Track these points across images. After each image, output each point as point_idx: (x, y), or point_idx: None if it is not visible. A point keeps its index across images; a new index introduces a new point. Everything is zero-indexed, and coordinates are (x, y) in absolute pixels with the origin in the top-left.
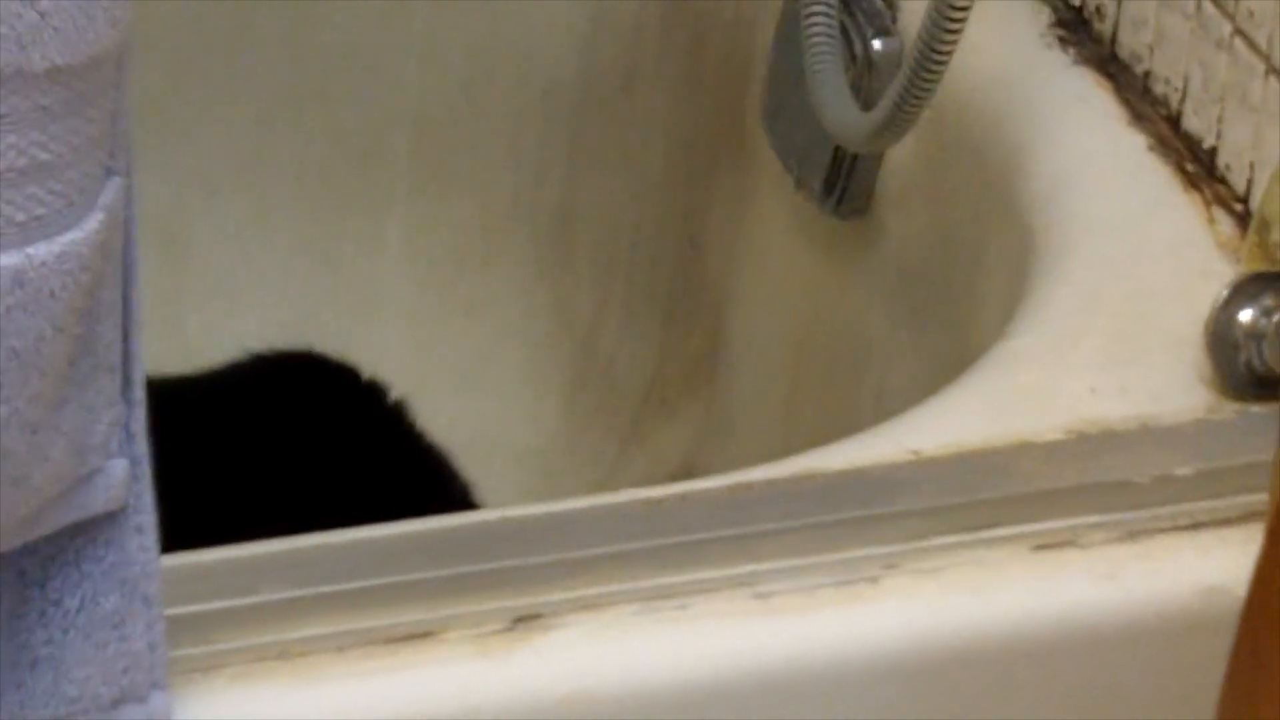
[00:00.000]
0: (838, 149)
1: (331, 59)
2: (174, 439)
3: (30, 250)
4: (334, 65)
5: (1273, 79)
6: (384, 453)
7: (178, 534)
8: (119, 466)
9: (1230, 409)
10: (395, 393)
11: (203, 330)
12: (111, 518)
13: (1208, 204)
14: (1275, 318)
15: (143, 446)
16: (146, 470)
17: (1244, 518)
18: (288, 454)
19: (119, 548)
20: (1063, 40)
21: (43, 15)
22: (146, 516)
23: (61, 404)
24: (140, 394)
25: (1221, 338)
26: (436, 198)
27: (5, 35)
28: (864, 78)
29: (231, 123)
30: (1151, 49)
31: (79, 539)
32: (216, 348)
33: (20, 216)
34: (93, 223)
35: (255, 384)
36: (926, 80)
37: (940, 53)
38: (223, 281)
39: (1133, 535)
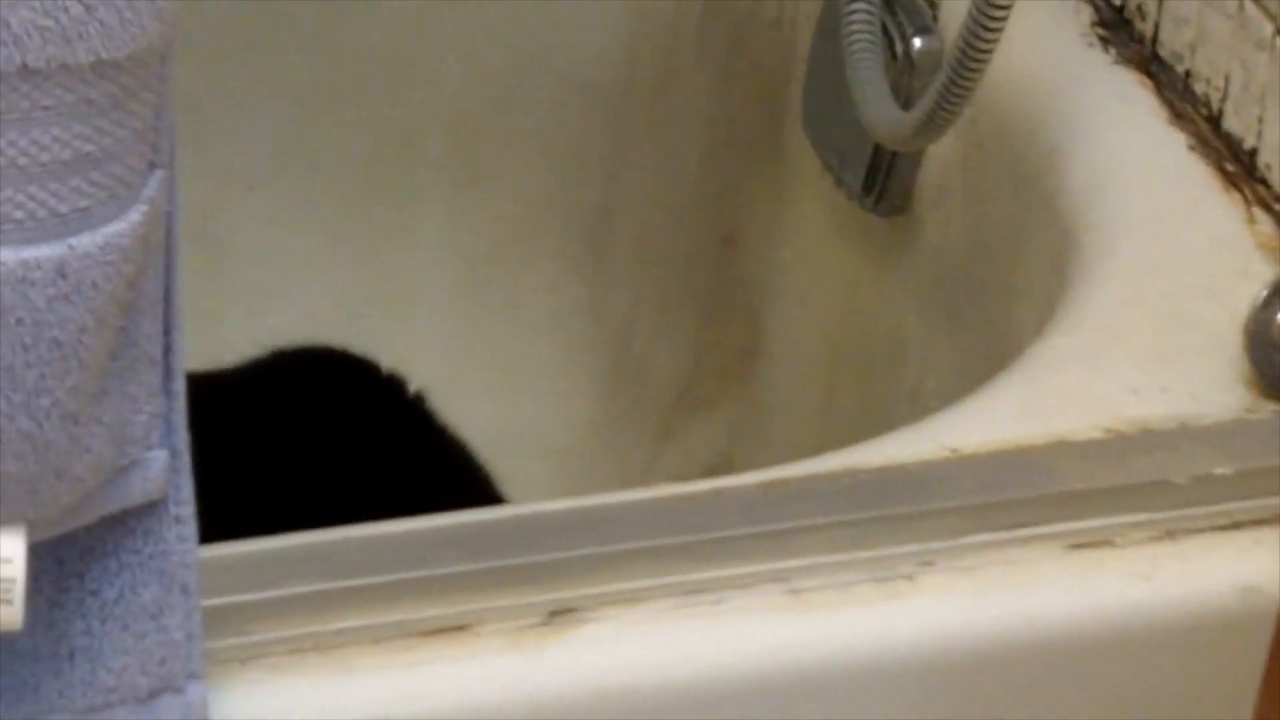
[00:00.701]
0: (877, 147)
1: (370, 55)
2: (197, 435)
3: (73, 241)
4: (372, 61)
5: None
6: (404, 445)
7: (205, 529)
8: (159, 458)
9: (1269, 409)
10: (418, 386)
11: (240, 326)
12: (151, 508)
13: (1248, 204)
14: None
15: (183, 438)
16: (186, 462)
17: None
18: (309, 448)
19: (158, 538)
20: (1104, 39)
21: (88, 8)
22: (186, 508)
23: (102, 395)
24: (181, 386)
25: (1260, 338)
26: (474, 194)
27: (51, 28)
28: (904, 76)
29: (269, 118)
30: (1193, 48)
31: (118, 529)
32: (253, 343)
33: (63, 208)
34: (136, 215)
35: (276, 380)
36: (967, 79)
37: (981, 51)
38: (259, 277)
39: (1170, 535)
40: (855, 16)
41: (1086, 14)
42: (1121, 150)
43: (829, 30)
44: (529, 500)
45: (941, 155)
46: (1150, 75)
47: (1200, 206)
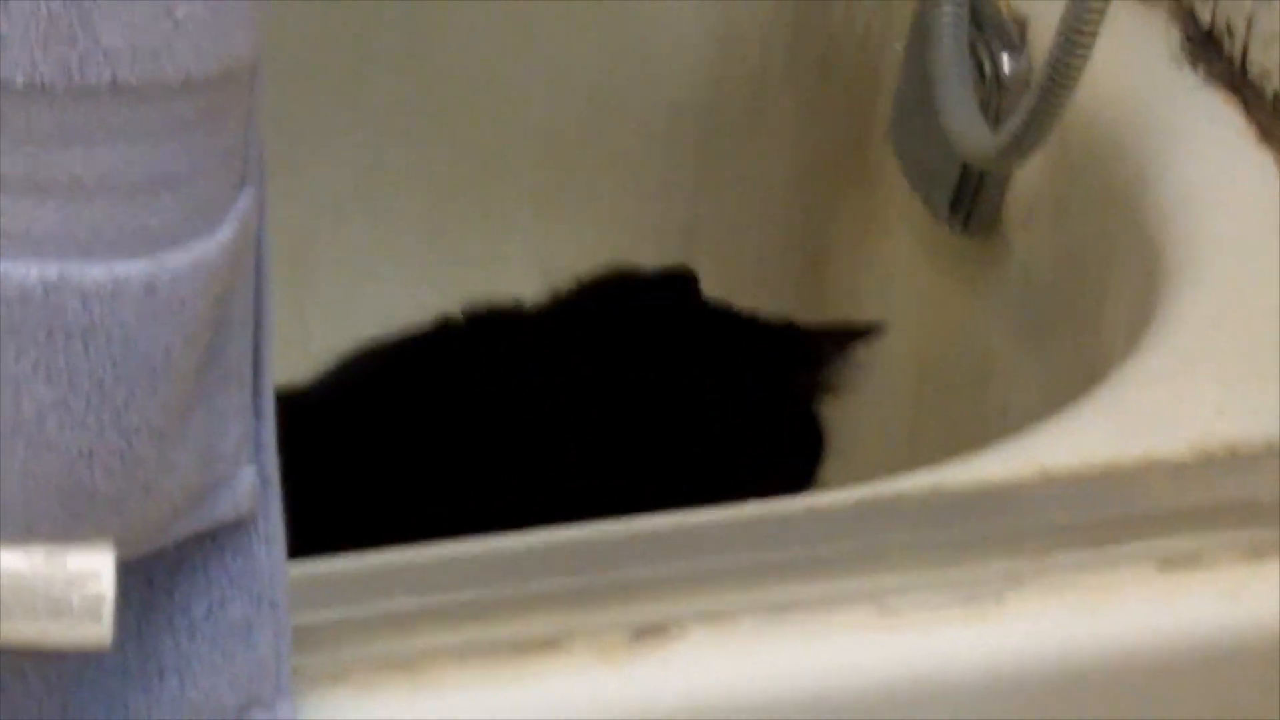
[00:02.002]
0: (965, 167)
1: (457, 77)
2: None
3: (163, 258)
4: (459, 84)
5: None
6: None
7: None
8: (248, 475)
9: None
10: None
11: (326, 349)
12: (240, 526)
13: None
14: None
15: (272, 456)
16: (275, 479)
17: None
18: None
19: (247, 556)
20: (1192, 58)
21: (178, 26)
22: (274, 525)
23: (190, 413)
24: (269, 404)
25: None
26: (561, 217)
27: (140, 46)
28: (993, 96)
29: (356, 141)
30: None
31: (207, 546)
32: None
33: (153, 224)
34: (225, 233)
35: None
36: (1056, 99)
37: (1070, 71)
38: (346, 300)
39: (1259, 554)
40: (943, 36)
41: (1175, 33)
42: (1210, 169)
43: (917, 50)
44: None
45: (1029, 175)
46: (1239, 94)
47: None
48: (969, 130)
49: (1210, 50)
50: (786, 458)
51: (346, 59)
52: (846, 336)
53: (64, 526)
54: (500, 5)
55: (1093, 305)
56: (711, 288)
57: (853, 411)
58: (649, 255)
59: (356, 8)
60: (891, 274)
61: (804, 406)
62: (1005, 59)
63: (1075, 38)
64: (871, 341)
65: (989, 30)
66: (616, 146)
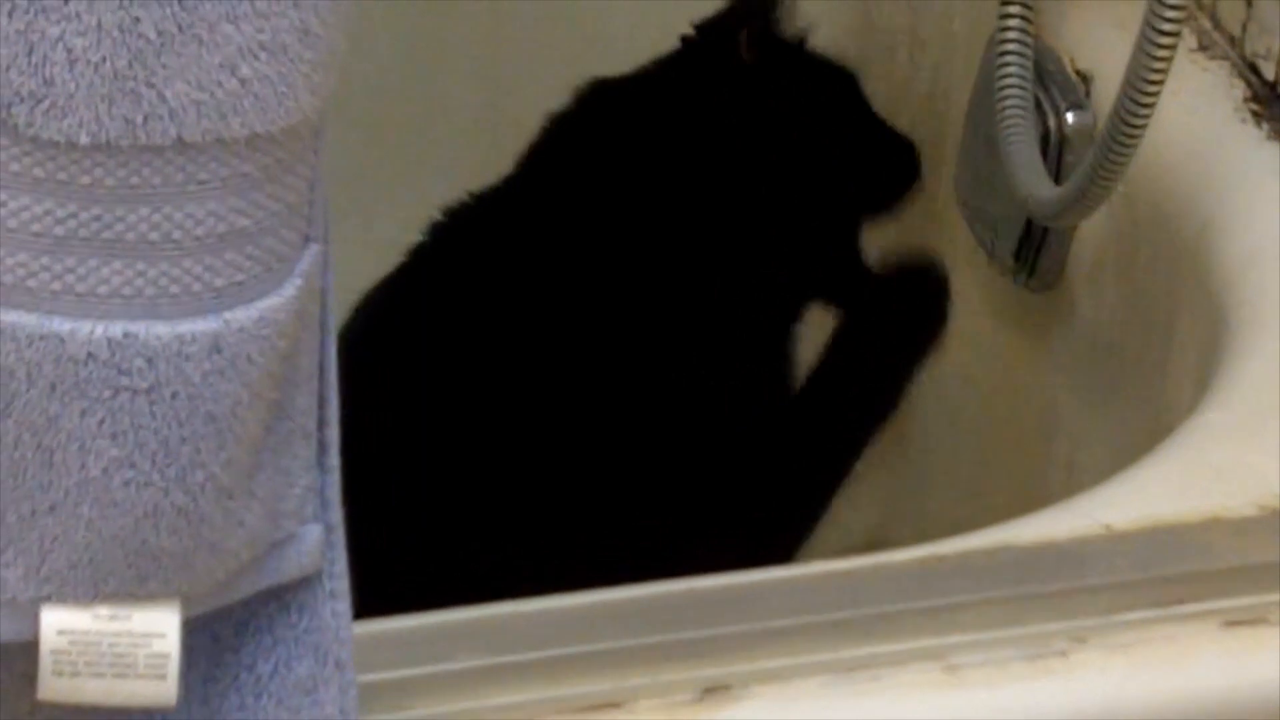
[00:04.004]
0: (1030, 221)
1: (525, 129)
2: None
3: (228, 315)
4: (527, 135)
5: None
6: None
7: None
8: (313, 532)
9: None
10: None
11: None
12: (306, 583)
13: None
14: None
15: (337, 512)
16: (341, 536)
17: None
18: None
19: (313, 613)
20: (1256, 115)
21: (243, 83)
22: (340, 582)
23: (257, 469)
24: (335, 460)
25: None
26: None
27: (206, 102)
28: (1057, 151)
29: (424, 194)
30: None
31: (273, 604)
32: None
33: (219, 282)
34: (290, 289)
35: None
36: (1120, 154)
37: (1134, 127)
38: None
39: None
40: (1009, 92)
41: (1239, 90)
42: (1275, 226)
43: (982, 105)
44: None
45: (1094, 230)
46: None
47: None
48: (1033, 185)
49: (1275, 106)
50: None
51: (415, 112)
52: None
53: (130, 585)
54: (573, 70)
55: (1158, 361)
56: None
57: (918, 467)
58: None
59: (425, 61)
60: (957, 327)
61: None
62: (1069, 114)
63: (1139, 94)
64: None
65: (1053, 86)
66: None
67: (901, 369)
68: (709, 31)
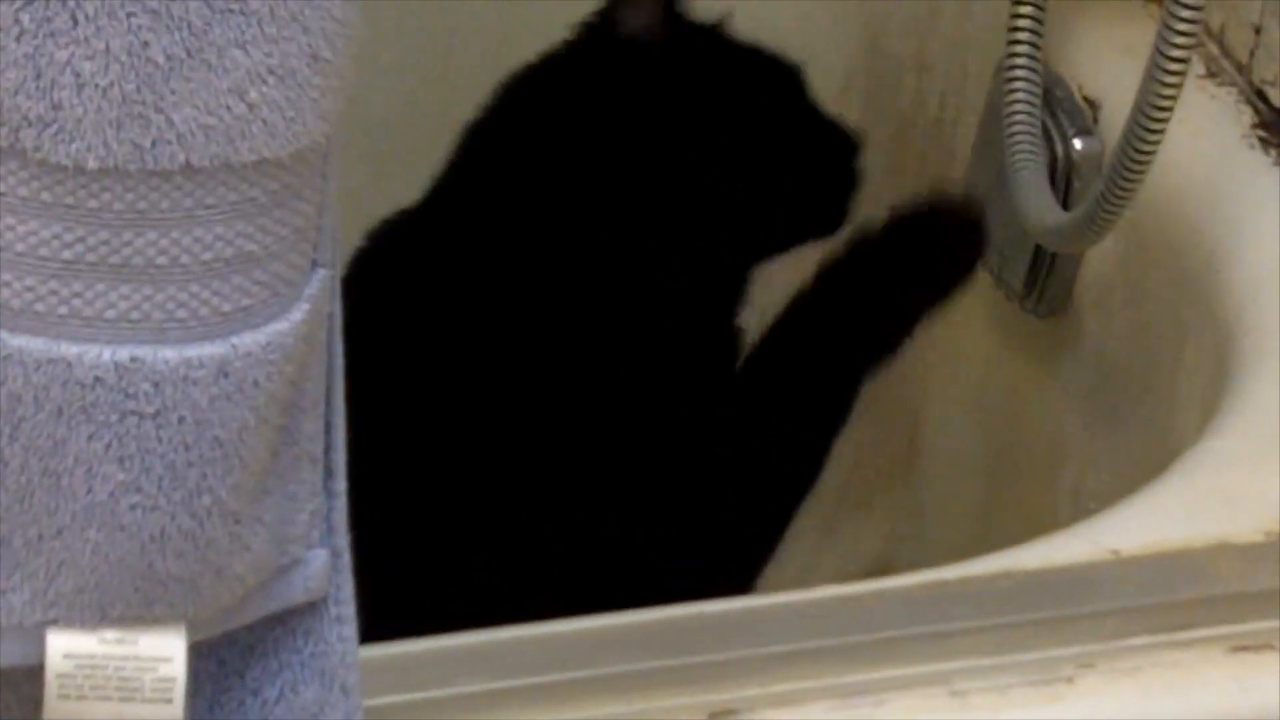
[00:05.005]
0: (1038, 248)
1: None
2: None
3: (235, 340)
4: None
5: None
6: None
7: None
8: (319, 557)
9: None
10: None
11: None
12: (311, 608)
13: None
14: None
15: (343, 537)
16: (347, 561)
17: None
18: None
19: (318, 638)
20: (1264, 141)
21: (251, 108)
22: (346, 607)
23: (263, 494)
24: (342, 485)
25: None
26: None
27: (214, 127)
28: (1064, 177)
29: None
30: None
31: (278, 629)
32: None
33: (226, 307)
34: (298, 314)
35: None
36: (1128, 181)
37: (1142, 154)
38: None
39: None
40: (1016, 118)
41: (1247, 116)
42: None
43: (991, 131)
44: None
45: (1101, 256)
46: None
47: None
48: (1041, 211)
49: None
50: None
51: (426, 136)
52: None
53: (136, 609)
54: None
55: (1165, 387)
56: None
57: (924, 492)
58: None
59: (438, 90)
60: (964, 352)
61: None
62: (1077, 141)
63: (1148, 120)
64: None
65: (1061, 112)
66: None
67: (914, 308)
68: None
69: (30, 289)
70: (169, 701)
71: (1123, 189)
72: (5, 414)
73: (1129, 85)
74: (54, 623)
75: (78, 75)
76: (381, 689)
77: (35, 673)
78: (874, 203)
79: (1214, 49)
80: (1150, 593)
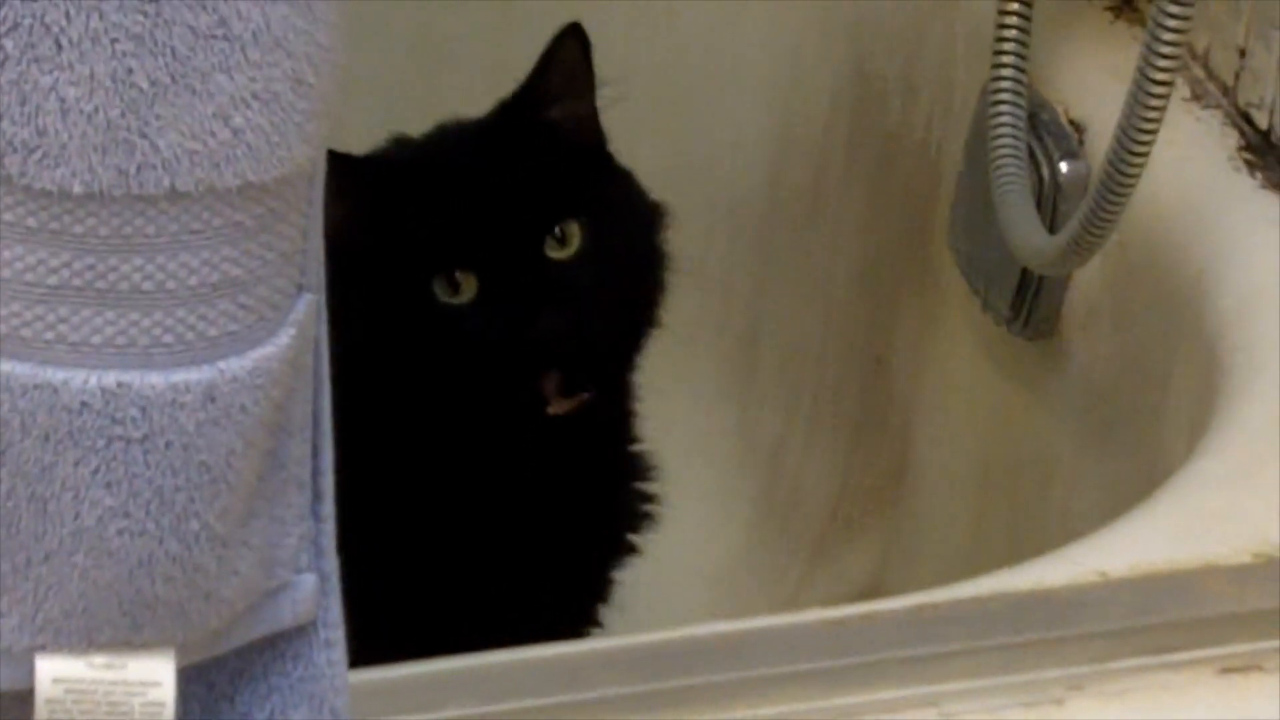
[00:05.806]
0: (1024, 270)
1: None
2: None
3: (222, 365)
4: None
5: None
6: None
7: None
8: (308, 581)
9: None
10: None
11: None
12: (300, 632)
13: None
14: None
15: (331, 560)
16: (335, 584)
17: None
18: None
19: (307, 662)
20: (1250, 164)
21: (235, 132)
22: (335, 631)
23: (251, 518)
24: (330, 508)
25: None
26: None
27: (199, 152)
28: (1051, 200)
29: None
30: None
31: (267, 653)
32: None
33: (212, 331)
34: (284, 338)
35: None
36: (1113, 203)
37: (1127, 176)
38: None
39: None
40: (1002, 141)
41: (1233, 138)
42: (1268, 273)
43: (976, 154)
44: (679, 621)
45: (1088, 278)
46: None
47: None
48: (1027, 233)
49: (1268, 155)
50: None
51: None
52: None
53: (124, 634)
54: None
55: (1152, 409)
56: (773, 388)
57: (913, 514)
58: (711, 355)
59: (421, 114)
60: (953, 375)
61: None
62: (1063, 164)
63: (1133, 143)
64: None
65: (1047, 135)
66: (676, 248)
67: None
68: None
69: (16, 314)
70: None
71: (1108, 211)
72: None
73: (1115, 108)
74: (43, 648)
75: (62, 101)
76: (371, 713)
77: (25, 698)
78: (861, 225)
79: (1199, 72)
80: (1139, 614)
